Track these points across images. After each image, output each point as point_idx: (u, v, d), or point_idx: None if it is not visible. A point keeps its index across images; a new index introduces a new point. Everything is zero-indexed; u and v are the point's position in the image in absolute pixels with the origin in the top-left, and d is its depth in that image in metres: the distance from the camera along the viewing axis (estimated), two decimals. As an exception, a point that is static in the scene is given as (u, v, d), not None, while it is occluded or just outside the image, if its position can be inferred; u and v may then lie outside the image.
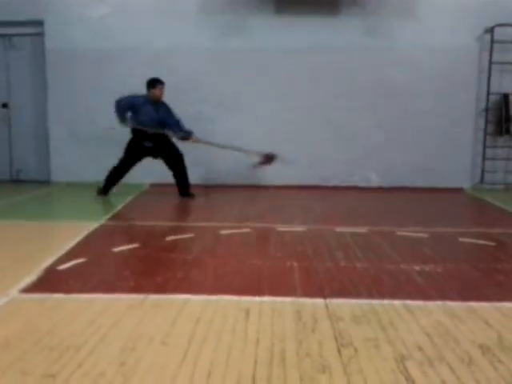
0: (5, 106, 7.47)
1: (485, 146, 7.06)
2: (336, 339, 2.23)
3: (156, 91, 5.88)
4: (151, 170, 6.35)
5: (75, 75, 7.14)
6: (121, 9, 7.04)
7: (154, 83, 5.89)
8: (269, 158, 6.34)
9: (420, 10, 6.85)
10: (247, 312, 2.52)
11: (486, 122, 7.04)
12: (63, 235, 4.19)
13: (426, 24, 6.85)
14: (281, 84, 7.02)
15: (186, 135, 5.98)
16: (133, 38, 7.01)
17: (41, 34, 7.17)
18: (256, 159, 6.28)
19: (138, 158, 6.00)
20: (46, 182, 7.31)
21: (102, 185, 6.07)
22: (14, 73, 7.44)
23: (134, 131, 5.95)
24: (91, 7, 7.04)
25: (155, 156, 6.03)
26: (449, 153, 7.06)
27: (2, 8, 7.04)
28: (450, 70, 6.91)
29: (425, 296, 2.78)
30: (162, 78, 5.94)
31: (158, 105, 5.94)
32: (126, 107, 5.87)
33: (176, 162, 6.04)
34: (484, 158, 7.07)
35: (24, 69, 7.44)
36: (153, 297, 2.72)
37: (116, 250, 3.69)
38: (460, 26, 6.83)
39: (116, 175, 6.04)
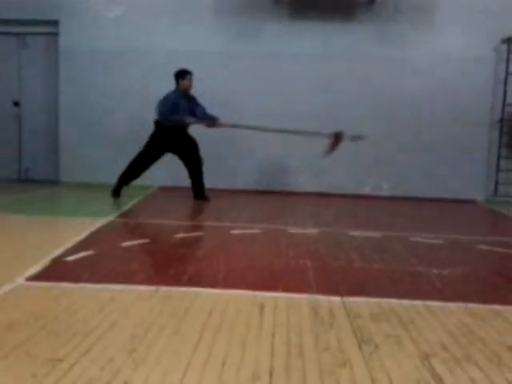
0: (16, 104, 7.44)
1: (499, 158, 6.95)
2: (355, 335, 2.12)
3: (185, 82, 5.75)
4: (160, 173, 6.29)
5: (88, 75, 7.13)
6: (135, 10, 7.06)
7: (183, 74, 5.75)
8: (337, 138, 5.61)
9: (436, 18, 6.80)
10: (261, 306, 2.42)
11: (501, 133, 6.94)
12: (70, 229, 4.12)
13: (441, 33, 6.81)
14: (292, 89, 6.96)
15: (212, 121, 5.84)
16: (147, 40, 7.01)
17: (54, 34, 7.17)
18: (326, 142, 5.60)
19: (160, 154, 5.76)
20: (54, 182, 7.25)
21: (115, 185, 5.83)
22: (27, 72, 7.44)
23: (159, 124, 5.72)
24: (106, 8, 7.05)
25: (175, 151, 5.79)
26: (462, 164, 6.96)
27: (17, 6, 7.07)
28: (466, 80, 6.83)
29: (445, 297, 2.67)
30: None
31: (188, 96, 5.82)
32: (172, 111, 5.65)
33: (194, 164, 5.86)
34: (498, 170, 6.95)
35: (37, 68, 7.43)
36: (164, 289, 2.62)
37: (125, 244, 3.61)
38: (476, 36, 6.77)
39: (133, 172, 5.77)
